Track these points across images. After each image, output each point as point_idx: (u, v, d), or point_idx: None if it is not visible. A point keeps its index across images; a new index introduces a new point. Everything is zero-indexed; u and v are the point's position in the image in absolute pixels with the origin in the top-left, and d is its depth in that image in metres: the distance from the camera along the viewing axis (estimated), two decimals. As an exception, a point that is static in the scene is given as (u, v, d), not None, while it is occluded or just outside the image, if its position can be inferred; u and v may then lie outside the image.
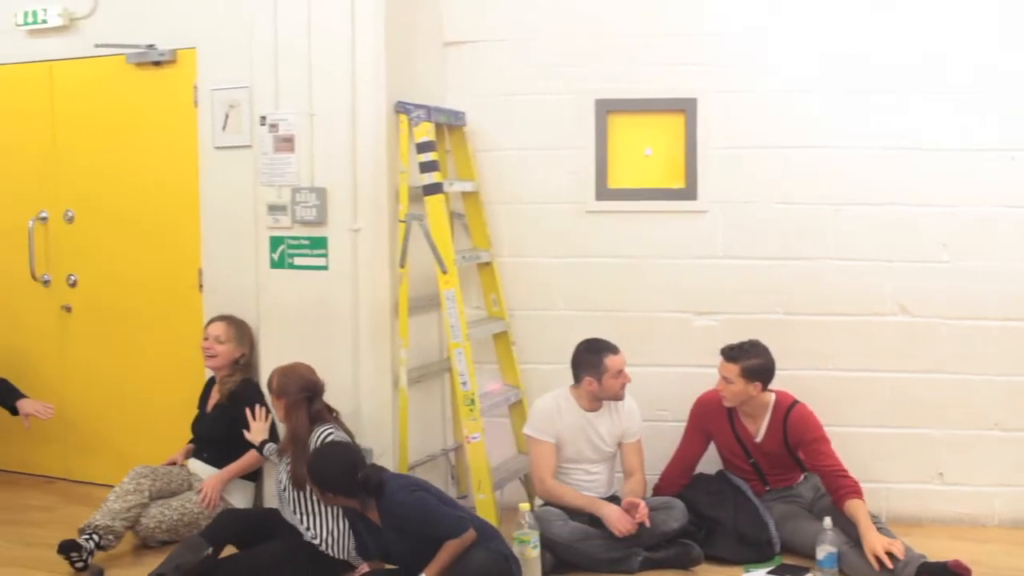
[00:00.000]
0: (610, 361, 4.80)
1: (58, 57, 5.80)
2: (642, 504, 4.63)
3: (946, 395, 5.26)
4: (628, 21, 5.38)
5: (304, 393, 4.68)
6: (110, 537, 4.76)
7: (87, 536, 4.72)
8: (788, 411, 4.88)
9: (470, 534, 4.25)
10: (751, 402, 4.88)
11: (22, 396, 5.44)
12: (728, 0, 5.31)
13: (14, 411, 5.42)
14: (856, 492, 4.63)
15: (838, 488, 4.66)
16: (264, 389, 4.93)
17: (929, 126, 5.19)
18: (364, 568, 4.52)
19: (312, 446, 4.54)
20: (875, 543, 4.41)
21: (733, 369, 4.82)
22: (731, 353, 4.85)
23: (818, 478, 4.97)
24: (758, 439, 4.93)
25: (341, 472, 4.29)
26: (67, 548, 4.64)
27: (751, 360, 4.82)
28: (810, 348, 5.29)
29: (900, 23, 5.18)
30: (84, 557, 4.67)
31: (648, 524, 4.61)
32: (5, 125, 6.00)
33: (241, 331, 5.27)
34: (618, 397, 4.87)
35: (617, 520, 4.62)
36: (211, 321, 5.28)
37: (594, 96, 5.41)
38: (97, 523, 4.75)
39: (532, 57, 5.46)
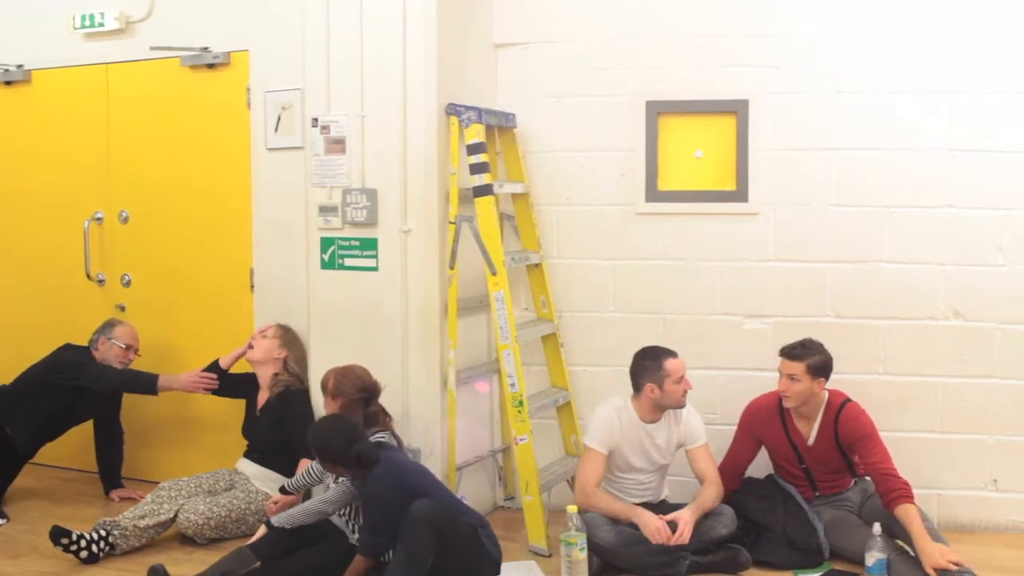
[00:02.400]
0: (670, 365, 4.74)
1: (114, 60, 5.87)
2: (684, 526, 4.54)
3: (1000, 400, 5.19)
4: (679, 23, 5.36)
5: (360, 394, 4.70)
6: (115, 533, 4.82)
7: (95, 529, 4.81)
8: (839, 409, 4.84)
9: (368, 563, 4.29)
10: (810, 401, 4.85)
11: (120, 486, 5.78)
12: (779, 1, 5.28)
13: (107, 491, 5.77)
14: (906, 496, 4.55)
15: (888, 490, 4.58)
16: (318, 392, 4.96)
17: (986, 128, 5.12)
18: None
19: None
20: (934, 554, 4.32)
21: (799, 367, 4.78)
22: (795, 352, 4.82)
23: (868, 483, 4.93)
24: (810, 442, 4.89)
25: (335, 443, 4.29)
26: (57, 535, 4.73)
27: (815, 357, 4.80)
28: (862, 352, 5.24)
29: (957, 23, 5.11)
30: (85, 545, 4.74)
31: (686, 543, 4.56)
32: (62, 126, 6.09)
33: (289, 337, 5.32)
34: (680, 404, 4.80)
35: (654, 530, 4.56)
36: None
37: (645, 98, 5.39)
38: (111, 518, 4.86)
39: (582, 59, 5.46)
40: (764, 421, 4.97)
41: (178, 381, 5.44)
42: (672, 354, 4.79)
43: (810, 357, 4.79)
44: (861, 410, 4.84)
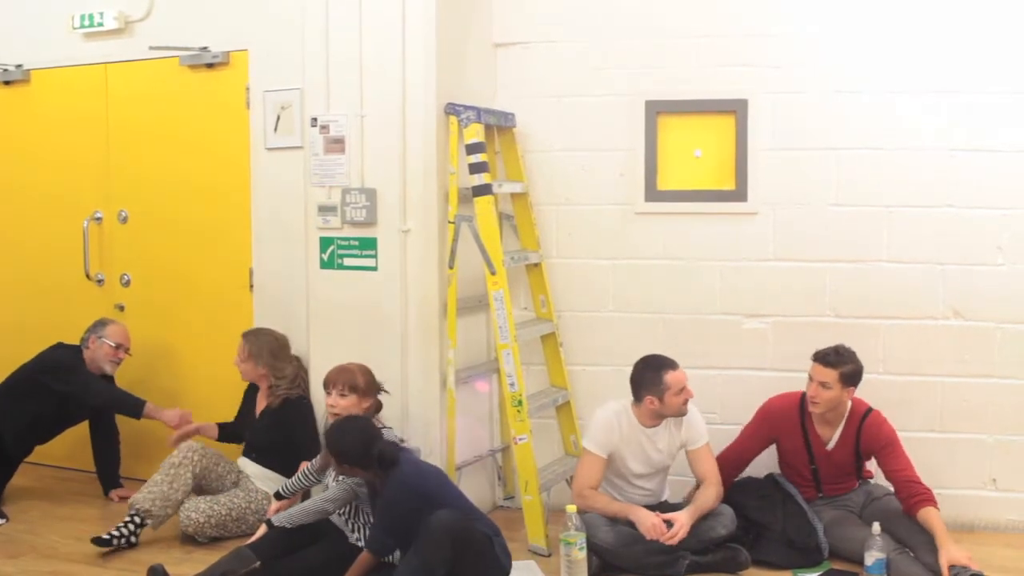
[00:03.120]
0: (671, 378, 4.69)
1: (113, 59, 5.87)
2: (680, 527, 4.54)
3: (1000, 400, 5.19)
4: (678, 23, 5.36)
5: (377, 393, 4.78)
6: (148, 522, 4.94)
7: (130, 517, 4.93)
8: (863, 418, 4.83)
9: (374, 560, 4.30)
10: (836, 408, 4.82)
11: (119, 485, 5.80)
12: (779, 1, 5.28)
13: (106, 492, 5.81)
14: (931, 501, 4.57)
15: (912, 495, 4.59)
16: (317, 389, 4.98)
17: (986, 128, 5.12)
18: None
19: None
20: (956, 554, 4.34)
21: (832, 375, 4.73)
22: (829, 358, 4.76)
23: (872, 486, 4.94)
24: (830, 447, 4.88)
25: (357, 445, 4.26)
26: (99, 543, 4.87)
27: (848, 365, 4.75)
28: (861, 352, 5.17)
29: (957, 23, 5.11)
30: (125, 535, 4.89)
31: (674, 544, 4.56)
32: (61, 126, 6.09)
33: (257, 348, 5.22)
34: (681, 413, 4.76)
35: (650, 527, 4.55)
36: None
37: (644, 97, 5.39)
38: (138, 506, 4.93)
39: (582, 58, 5.46)
40: (783, 421, 4.93)
41: (164, 415, 5.42)
42: (672, 366, 4.73)
43: (844, 365, 4.74)
44: (884, 419, 4.83)
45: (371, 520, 4.54)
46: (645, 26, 5.39)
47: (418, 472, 4.34)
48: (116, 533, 4.88)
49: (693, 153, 5.42)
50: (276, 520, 4.50)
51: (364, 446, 4.25)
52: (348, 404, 4.72)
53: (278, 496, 4.86)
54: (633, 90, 5.41)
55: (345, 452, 4.29)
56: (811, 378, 4.82)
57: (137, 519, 4.93)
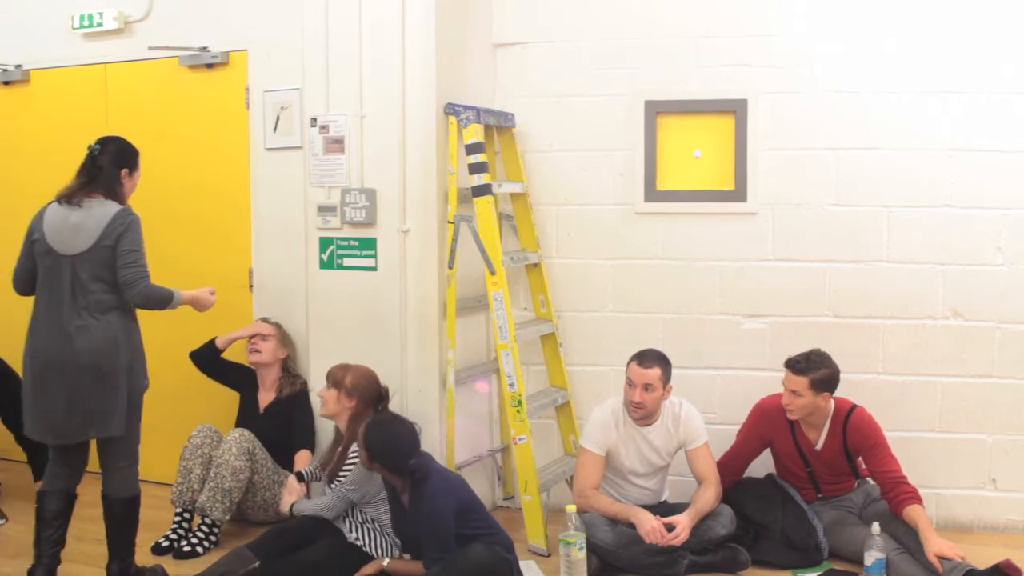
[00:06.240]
0: (629, 369, 4.73)
1: (113, 59, 5.87)
2: (681, 530, 4.52)
3: (999, 400, 5.19)
4: (678, 23, 5.36)
5: (376, 400, 4.77)
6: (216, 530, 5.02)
7: (177, 523, 5.02)
8: (847, 416, 4.82)
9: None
10: (816, 412, 4.81)
11: None
12: (779, 1, 5.28)
13: None
14: (917, 499, 4.58)
15: (898, 494, 4.60)
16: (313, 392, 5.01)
17: (985, 127, 5.12)
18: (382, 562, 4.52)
19: None
20: (940, 544, 4.35)
21: (802, 382, 4.72)
22: (799, 366, 4.74)
23: (870, 485, 4.93)
24: (818, 447, 4.87)
25: (395, 450, 4.25)
26: (181, 555, 4.88)
27: (819, 371, 4.72)
28: (860, 351, 5.24)
29: (957, 23, 5.11)
30: (200, 539, 4.93)
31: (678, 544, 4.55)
32: (61, 126, 6.08)
33: (285, 333, 5.39)
34: (630, 413, 4.77)
35: (650, 530, 4.54)
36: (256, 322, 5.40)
37: (643, 98, 5.39)
38: (212, 519, 4.98)
39: (581, 59, 5.46)
40: (773, 423, 4.92)
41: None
42: (637, 358, 4.74)
43: (814, 372, 4.71)
44: (869, 416, 4.82)
45: (368, 519, 4.61)
46: (645, 26, 5.39)
47: (451, 483, 4.36)
48: (195, 540, 4.89)
49: (693, 153, 5.42)
50: (296, 508, 4.73)
51: (402, 455, 4.25)
52: (328, 397, 4.78)
53: (300, 478, 4.93)
54: (633, 90, 5.41)
55: (381, 453, 4.26)
56: (784, 386, 4.81)
57: (208, 522, 4.96)
